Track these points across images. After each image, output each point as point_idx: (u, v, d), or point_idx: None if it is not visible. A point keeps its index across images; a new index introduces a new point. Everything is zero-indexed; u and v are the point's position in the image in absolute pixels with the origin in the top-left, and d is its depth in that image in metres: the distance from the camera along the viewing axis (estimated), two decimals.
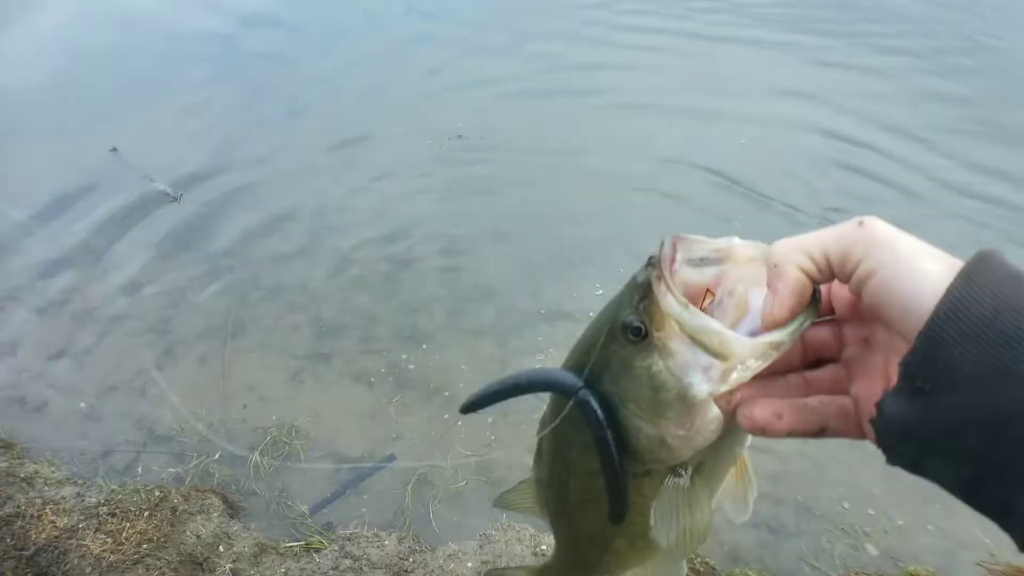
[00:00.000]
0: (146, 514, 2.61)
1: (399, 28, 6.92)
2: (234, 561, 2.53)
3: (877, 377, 0.56)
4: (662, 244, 0.62)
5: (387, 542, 2.70)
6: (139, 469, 3.13)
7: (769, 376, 0.60)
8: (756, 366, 0.57)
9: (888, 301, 0.50)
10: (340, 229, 4.51)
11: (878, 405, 0.50)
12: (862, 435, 0.57)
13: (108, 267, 4.33)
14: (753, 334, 0.58)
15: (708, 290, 0.63)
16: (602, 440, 0.66)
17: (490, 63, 6.18)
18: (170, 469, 3.11)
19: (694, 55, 6.19)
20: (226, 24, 6.98)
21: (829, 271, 0.54)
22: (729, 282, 0.62)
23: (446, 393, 3.42)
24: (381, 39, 6.69)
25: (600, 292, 3.88)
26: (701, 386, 0.59)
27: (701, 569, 2.58)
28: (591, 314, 0.72)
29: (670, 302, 0.60)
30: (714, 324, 0.57)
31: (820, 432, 0.58)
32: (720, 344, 0.57)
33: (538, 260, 4.16)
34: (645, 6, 7.05)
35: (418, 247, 4.35)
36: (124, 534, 2.50)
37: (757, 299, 0.60)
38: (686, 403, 0.60)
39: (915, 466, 0.51)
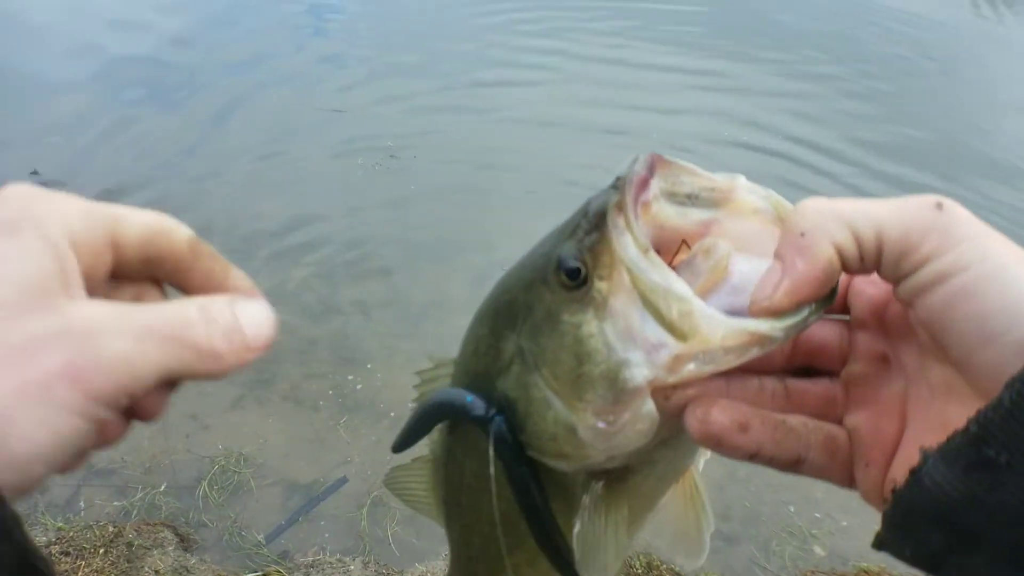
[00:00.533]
0: (101, 551, 2.54)
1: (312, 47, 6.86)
2: None
3: (890, 413, 0.43)
4: (634, 162, 0.46)
5: (352, 567, 2.71)
6: (81, 503, 3.03)
7: (738, 372, 0.45)
8: (725, 361, 0.42)
9: (962, 321, 0.37)
10: (274, 247, 4.46)
11: (916, 471, 0.36)
12: (849, 483, 0.45)
13: None
14: (731, 312, 0.43)
15: (684, 241, 0.47)
16: (520, 481, 0.51)
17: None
18: (115, 503, 3.02)
19: (590, 75, 6.38)
20: (141, 44, 6.76)
21: (875, 260, 0.40)
22: (714, 235, 0.47)
23: (392, 414, 3.44)
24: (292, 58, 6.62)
25: None
26: (640, 368, 0.43)
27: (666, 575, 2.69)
28: None
29: (626, 244, 0.44)
30: (680, 285, 0.42)
31: (794, 464, 0.44)
32: (682, 316, 0.41)
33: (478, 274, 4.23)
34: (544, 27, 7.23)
35: (350, 263, 4.35)
36: (80, 573, 2.43)
37: (744, 267, 0.45)
38: (615, 386, 0.44)
39: (939, 562, 0.37)
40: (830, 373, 0.48)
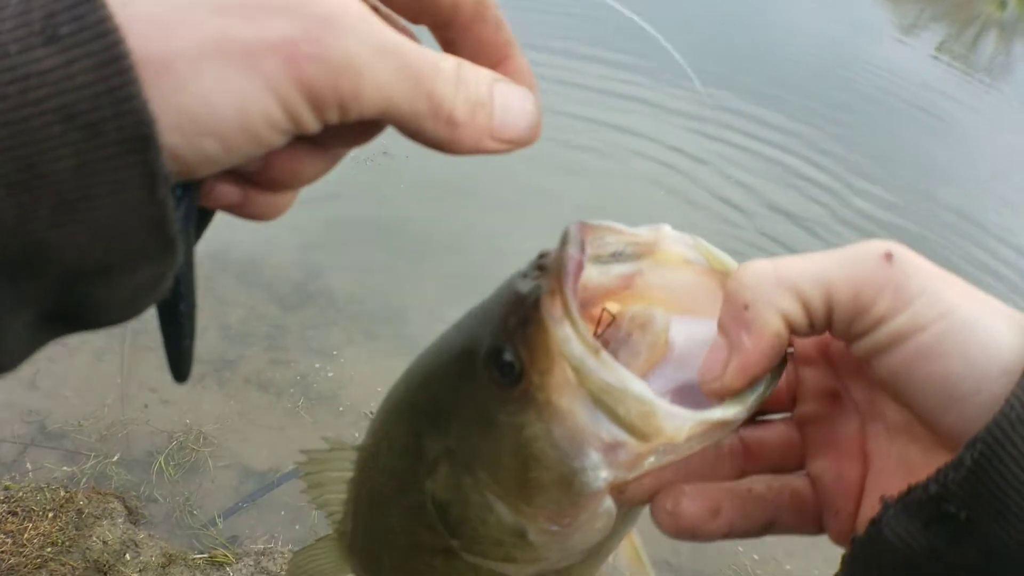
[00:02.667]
0: (50, 515, 2.48)
1: None
2: (140, 571, 2.45)
3: (850, 455, 0.41)
4: (566, 235, 0.40)
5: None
6: (28, 465, 2.96)
7: None
8: (687, 449, 0.38)
9: (924, 383, 0.35)
10: (253, 235, 4.42)
11: (875, 521, 0.35)
12: (819, 531, 0.43)
13: None
14: (678, 389, 0.41)
15: (604, 309, 0.43)
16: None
17: None
18: (64, 468, 2.96)
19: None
20: None
21: (826, 324, 0.37)
22: (640, 296, 0.43)
23: (357, 410, 3.43)
24: None
25: None
26: (597, 471, 0.39)
27: None
28: None
29: (568, 338, 0.38)
30: (637, 385, 0.38)
31: (766, 529, 0.42)
32: (643, 417, 0.37)
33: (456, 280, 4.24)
34: None
35: (333, 260, 4.33)
36: (26, 535, 2.37)
37: (683, 334, 0.42)
38: (570, 491, 0.40)
39: None
40: (785, 411, 0.45)
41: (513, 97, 0.36)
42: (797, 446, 0.43)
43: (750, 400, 0.38)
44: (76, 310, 0.30)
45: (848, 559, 0.37)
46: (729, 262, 0.41)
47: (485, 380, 0.40)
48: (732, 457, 0.43)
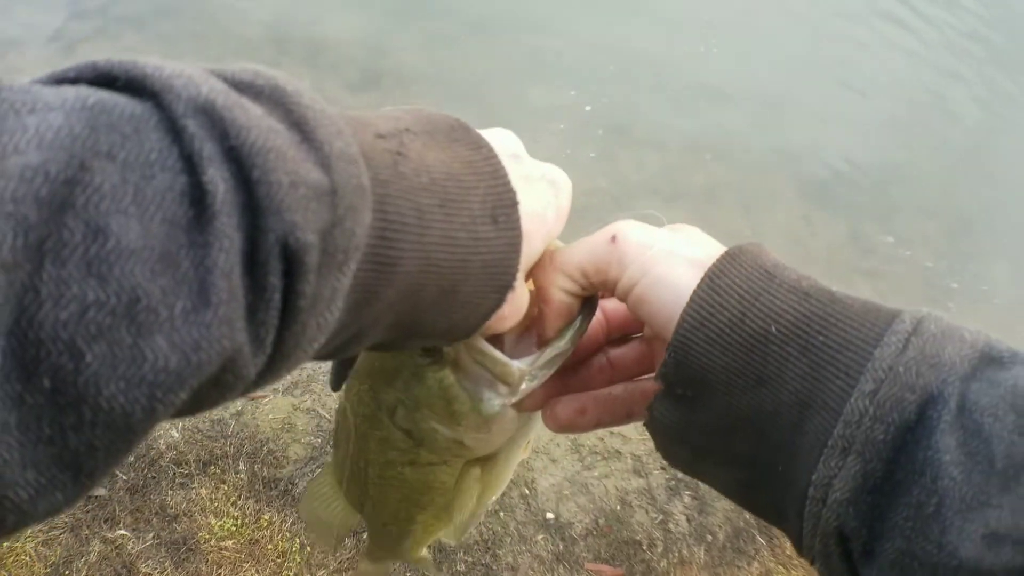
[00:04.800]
0: None
1: None
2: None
3: None
4: None
5: None
6: None
7: (571, 366, 0.58)
8: (543, 375, 0.56)
9: (646, 316, 0.50)
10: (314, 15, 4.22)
11: (648, 408, 0.49)
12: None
13: None
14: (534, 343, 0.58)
15: None
16: None
17: None
18: None
19: None
20: None
21: (592, 286, 0.53)
22: None
23: None
24: None
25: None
26: (493, 401, 0.58)
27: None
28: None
29: None
30: (492, 352, 0.55)
31: (627, 418, 0.57)
32: (501, 372, 0.55)
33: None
34: None
35: (400, 39, 4.12)
36: None
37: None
38: (481, 414, 0.59)
39: (691, 469, 0.51)
40: (639, 334, 0.60)
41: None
42: (649, 358, 0.58)
43: (568, 337, 0.55)
44: (390, 346, 0.48)
45: (652, 436, 0.52)
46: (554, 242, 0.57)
47: (418, 355, 0.60)
48: (601, 371, 0.59)
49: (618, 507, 2.41)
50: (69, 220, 0.27)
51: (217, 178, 0.29)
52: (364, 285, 0.37)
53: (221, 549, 2.20)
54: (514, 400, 0.58)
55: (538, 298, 0.55)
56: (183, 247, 0.29)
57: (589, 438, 2.54)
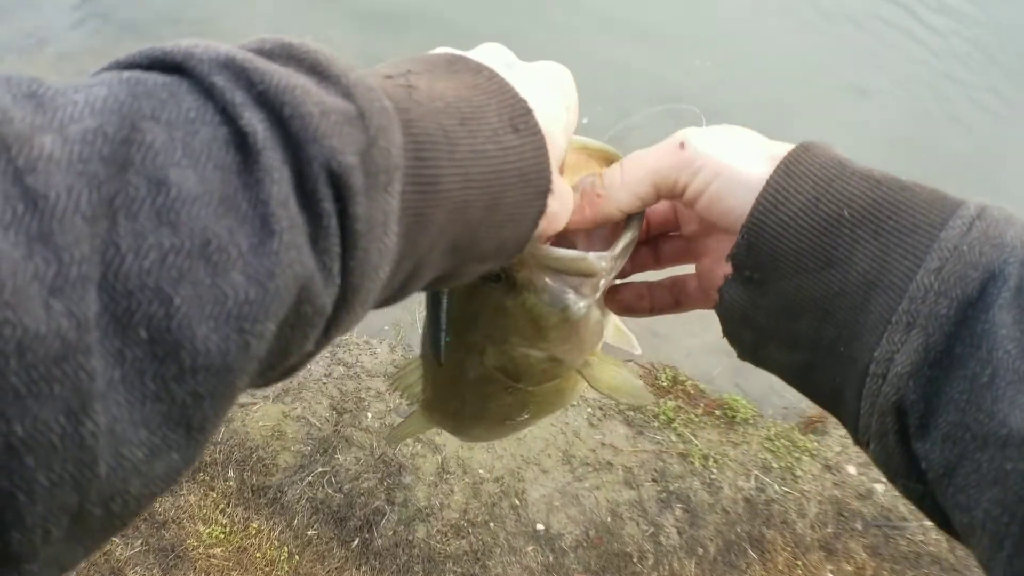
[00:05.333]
0: None
1: None
2: None
3: (719, 258, 0.56)
4: None
5: (379, 350, 2.77)
6: None
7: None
8: (619, 264, 0.59)
9: (719, 214, 0.52)
10: None
11: (719, 291, 0.52)
12: (712, 306, 0.59)
13: None
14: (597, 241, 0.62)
15: None
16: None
17: None
18: None
19: None
20: None
21: (657, 199, 0.56)
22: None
23: None
24: None
25: None
26: (578, 304, 0.60)
27: (692, 392, 2.72)
28: None
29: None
30: (567, 253, 0.58)
31: (676, 307, 0.62)
32: (584, 267, 0.58)
33: None
34: None
35: None
36: None
37: None
38: (569, 322, 0.61)
39: (755, 353, 0.54)
40: (677, 233, 0.63)
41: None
42: (690, 254, 0.62)
43: (628, 237, 0.58)
44: (449, 278, 0.48)
45: (720, 320, 0.54)
46: (608, 148, 0.61)
47: (487, 287, 0.61)
48: (646, 260, 0.64)
49: (609, 519, 2.39)
50: (132, 176, 0.29)
51: (254, 120, 0.32)
52: (413, 208, 0.39)
53: (209, 556, 2.19)
54: (597, 296, 0.61)
55: (588, 201, 0.57)
56: (238, 189, 0.31)
57: (580, 449, 2.52)
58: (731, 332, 0.54)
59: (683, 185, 0.53)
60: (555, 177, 0.49)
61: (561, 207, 0.51)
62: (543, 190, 0.47)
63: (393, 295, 0.43)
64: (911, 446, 0.43)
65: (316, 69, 0.36)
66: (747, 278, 0.50)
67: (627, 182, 0.55)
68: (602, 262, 0.58)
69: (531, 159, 0.45)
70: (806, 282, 0.47)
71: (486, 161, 0.43)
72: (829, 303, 0.47)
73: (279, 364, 0.35)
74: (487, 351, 0.66)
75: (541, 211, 0.48)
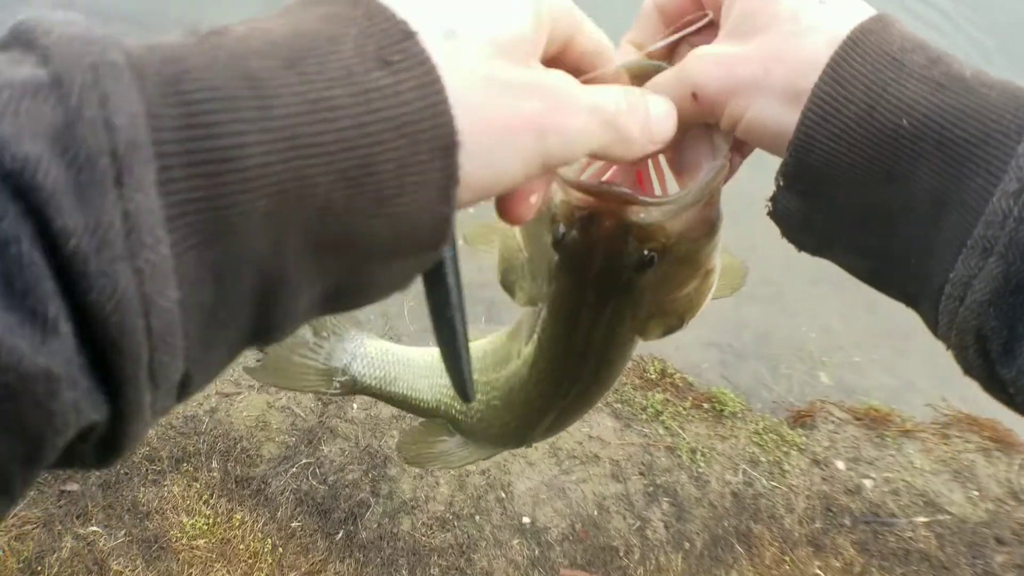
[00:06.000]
0: None
1: None
2: None
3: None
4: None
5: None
6: None
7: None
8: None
9: (758, 142, 0.49)
10: None
11: (771, 200, 0.48)
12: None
13: None
14: None
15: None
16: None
17: None
18: None
19: None
20: None
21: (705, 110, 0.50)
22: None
23: None
24: None
25: None
26: (720, 213, 0.56)
27: (680, 384, 2.71)
28: None
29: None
30: (700, 181, 0.52)
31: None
32: (717, 181, 0.53)
33: None
34: None
35: None
36: None
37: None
38: (714, 247, 0.57)
39: (819, 254, 0.50)
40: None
41: (661, 107, 0.47)
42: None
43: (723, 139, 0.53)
44: (352, 288, 0.36)
45: (776, 224, 0.50)
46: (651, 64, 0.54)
47: (635, 277, 0.56)
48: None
49: (595, 512, 2.38)
50: None
51: None
52: (198, 202, 0.27)
53: (192, 548, 2.18)
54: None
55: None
56: None
57: (567, 442, 2.51)
58: (790, 236, 0.50)
59: (716, 121, 0.49)
60: (567, 97, 0.39)
61: (618, 137, 0.42)
62: (445, 143, 0.34)
63: (249, 335, 0.33)
64: (995, 369, 0.41)
65: (22, 39, 0.27)
66: (800, 191, 0.46)
67: (683, 76, 0.49)
68: (721, 173, 0.52)
69: (413, 102, 0.32)
70: (866, 197, 0.43)
71: (334, 112, 0.31)
72: (894, 217, 0.43)
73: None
74: (649, 326, 0.62)
75: (449, 173, 0.34)
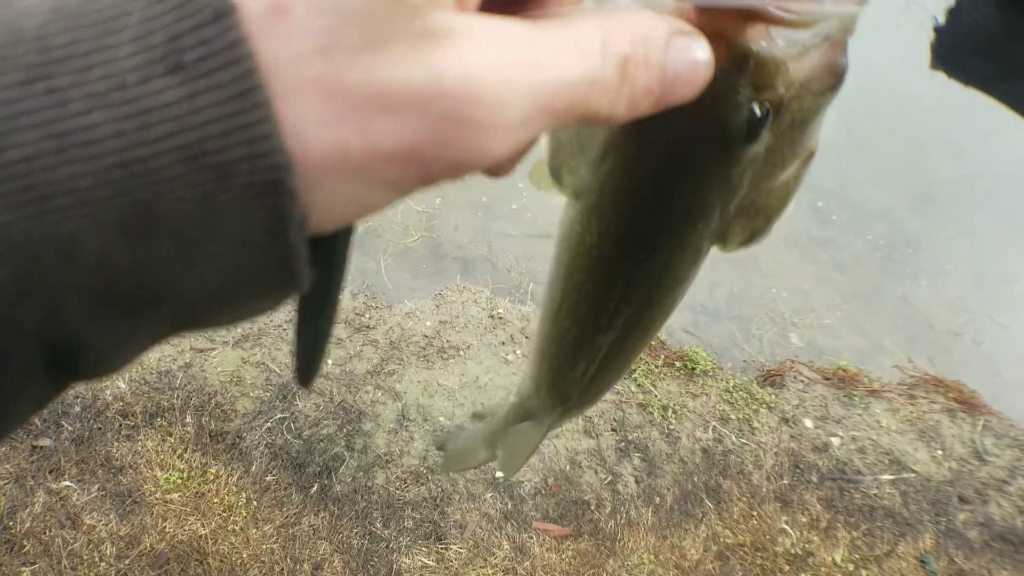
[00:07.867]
0: None
1: None
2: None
3: None
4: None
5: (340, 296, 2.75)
6: None
7: None
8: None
9: None
10: None
11: (951, 12, 0.43)
12: None
13: None
14: None
15: None
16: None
17: None
18: None
19: None
20: None
21: None
22: None
23: None
24: None
25: None
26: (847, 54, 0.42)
27: (653, 343, 2.74)
28: None
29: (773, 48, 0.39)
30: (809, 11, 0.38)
31: None
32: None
33: None
34: None
35: None
36: None
37: None
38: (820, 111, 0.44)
39: (983, 87, 0.44)
40: None
41: (683, 63, 0.31)
42: None
43: None
44: (196, 326, 0.28)
45: (935, 48, 0.46)
46: None
47: (741, 150, 0.44)
48: None
49: (568, 467, 2.41)
50: None
51: None
52: None
53: (167, 502, 2.19)
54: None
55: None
56: None
57: None
58: (953, 60, 0.39)
59: None
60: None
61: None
62: (268, 179, 0.23)
63: (54, 393, 0.27)
64: None
65: None
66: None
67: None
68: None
69: (214, 123, 0.23)
70: None
71: (85, 151, 0.22)
72: None
73: None
74: (735, 229, 0.49)
75: (279, 213, 0.24)
